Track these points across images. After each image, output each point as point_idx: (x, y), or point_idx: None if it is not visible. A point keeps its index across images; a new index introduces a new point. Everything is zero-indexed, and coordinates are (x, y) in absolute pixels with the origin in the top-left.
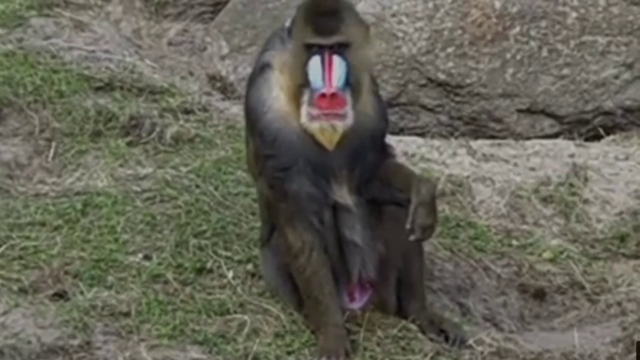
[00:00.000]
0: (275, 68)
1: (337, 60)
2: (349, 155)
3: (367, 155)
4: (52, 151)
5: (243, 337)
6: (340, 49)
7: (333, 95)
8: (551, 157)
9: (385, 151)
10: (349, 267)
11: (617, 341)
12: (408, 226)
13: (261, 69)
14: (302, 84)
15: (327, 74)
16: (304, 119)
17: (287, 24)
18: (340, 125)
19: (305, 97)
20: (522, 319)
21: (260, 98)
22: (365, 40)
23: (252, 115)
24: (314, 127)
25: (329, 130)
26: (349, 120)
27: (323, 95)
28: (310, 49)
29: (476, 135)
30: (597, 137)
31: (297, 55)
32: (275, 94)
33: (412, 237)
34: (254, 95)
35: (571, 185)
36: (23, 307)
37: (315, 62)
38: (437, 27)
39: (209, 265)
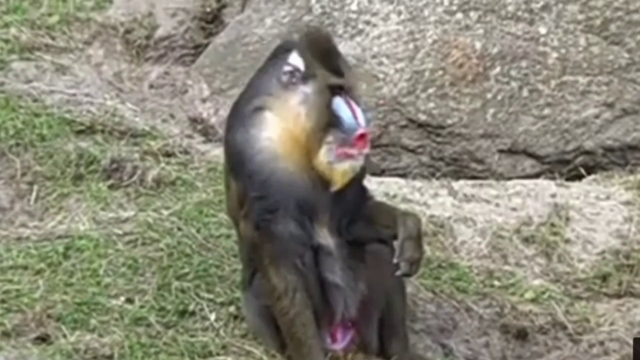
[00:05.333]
0: (269, 111)
1: (351, 100)
2: (332, 197)
3: (348, 197)
4: (33, 195)
5: None
6: (350, 89)
7: (368, 134)
8: (532, 197)
9: (364, 192)
10: (331, 308)
11: None
12: (395, 261)
13: (252, 112)
14: (326, 125)
15: (356, 113)
16: (328, 159)
17: (288, 67)
18: (361, 164)
19: (331, 138)
20: None
21: (249, 140)
22: (356, 79)
23: (240, 158)
24: (341, 167)
25: (354, 169)
26: None
27: (363, 135)
28: (332, 91)
29: (457, 175)
30: (579, 177)
31: (322, 97)
32: (266, 136)
33: (398, 273)
34: (241, 138)
35: (553, 225)
36: (6, 350)
37: (340, 103)
38: (417, 68)
39: (191, 307)
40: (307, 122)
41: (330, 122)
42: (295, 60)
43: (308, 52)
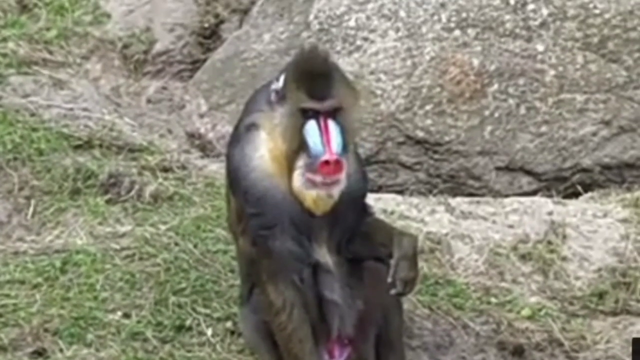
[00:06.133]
0: (262, 129)
1: (332, 125)
2: (331, 216)
3: (348, 216)
4: (31, 209)
5: None
6: (334, 113)
7: (335, 162)
8: (529, 214)
9: (365, 211)
10: (328, 324)
11: None
12: (389, 280)
13: (247, 129)
14: (297, 149)
15: (326, 139)
16: (298, 184)
17: (275, 86)
18: (336, 193)
19: (301, 162)
20: None
21: (244, 157)
22: (354, 103)
23: (236, 174)
24: (310, 194)
25: (324, 198)
26: (343, 185)
27: (326, 163)
28: (305, 114)
29: (455, 192)
30: (576, 195)
31: (292, 119)
32: (260, 153)
33: (392, 292)
34: (237, 155)
35: (549, 242)
36: None
37: (312, 127)
38: (415, 85)
39: (188, 322)
40: (283, 144)
41: (301, 146)
42: (282, 79)
43: (290, 72)
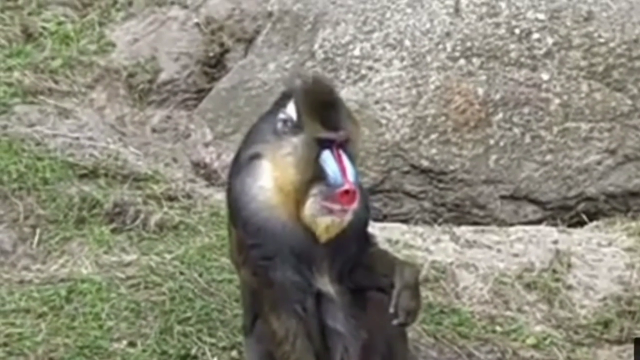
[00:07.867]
0: (265, 159)
1: (344, 154)
2: (333, 246)
3: (350, 246)
4: (36, 238)
5: None
6: (345, 143)
7: (353, 191)
8: (534, 243)
9: (367, 240)
10: (332, 354)
11: None
12: (391, 310)
13: (249, 159)
14: (312, 178)
15: (342, 169)
16: (312, 212)
17: (283, 115)
18: (348, 219)
19: (316, 190)
20: None
21: (244, 188)
22: (359, 133)
23: (236, 205)
24: (324, 220)
25: (336, 225)
26: (353, 212)
27: (346, 192)
28: (321, 144)
29: (459, 221)
30: (581, 223)
31: (307, 149)
32: (260, 184)
33: (395, 322)
34: (237, 185)
35: (554, 271)
36: None
37: (328, 157)
38: (420, 114)
39: (193, 351)
40: (295, 173)
41: (316, 175)
42: (290, 109)
43: (302, 102)
